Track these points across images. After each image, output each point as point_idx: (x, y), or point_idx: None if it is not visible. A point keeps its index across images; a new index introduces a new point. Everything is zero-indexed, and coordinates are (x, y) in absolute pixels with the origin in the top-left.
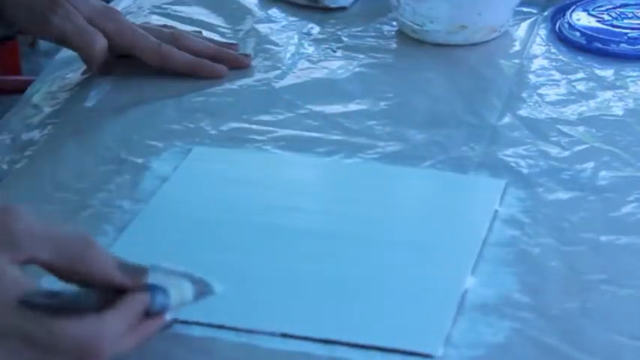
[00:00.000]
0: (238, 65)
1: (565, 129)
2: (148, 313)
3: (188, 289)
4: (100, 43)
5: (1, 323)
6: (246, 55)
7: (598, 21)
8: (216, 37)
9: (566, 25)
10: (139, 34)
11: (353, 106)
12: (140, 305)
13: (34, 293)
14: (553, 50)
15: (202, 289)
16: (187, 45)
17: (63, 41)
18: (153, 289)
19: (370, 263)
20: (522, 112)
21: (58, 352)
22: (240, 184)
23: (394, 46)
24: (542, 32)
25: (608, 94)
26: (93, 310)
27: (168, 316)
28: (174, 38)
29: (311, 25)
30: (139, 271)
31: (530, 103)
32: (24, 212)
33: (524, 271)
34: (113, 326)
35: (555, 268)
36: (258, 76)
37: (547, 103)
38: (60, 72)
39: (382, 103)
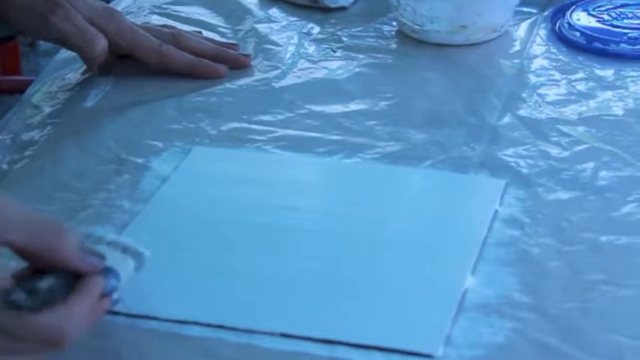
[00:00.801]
0: (238, 65)
1: (565, 129)
2: (101, 295)
3: (130, 266)
4: (101, 43)
5: None
6: (246, 55)
7: (598, 21)
8: (216, 37)
9: (566, 25)
10: (139, 34)
11: (353, 106)
12: (98, 289)
13: (14, 290)
14: (553, 50)
15: (138, 263)
16: (187, 45)
17: (63, 42)
18: (107, 272)
19: (370, 263)
20: (522, 112)
21: (29, 341)
22: (240, 184)
23: (394, 46)
24: (542, 32)
25: (608, 94)
26: (62, 294)
27: (115, 296)
28: (174, 38)
29: (311, 25)
30: (97, 256)
31: (530, 103)
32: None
33: (524, 271)
34: (79, 312)
35: (555, 268)
36: (258, 76)
37: (547, 103)
38: (60, 72)
39: (382, 103)
